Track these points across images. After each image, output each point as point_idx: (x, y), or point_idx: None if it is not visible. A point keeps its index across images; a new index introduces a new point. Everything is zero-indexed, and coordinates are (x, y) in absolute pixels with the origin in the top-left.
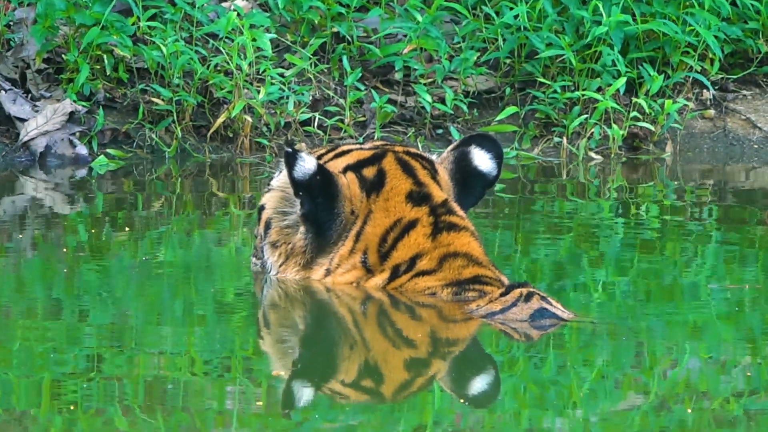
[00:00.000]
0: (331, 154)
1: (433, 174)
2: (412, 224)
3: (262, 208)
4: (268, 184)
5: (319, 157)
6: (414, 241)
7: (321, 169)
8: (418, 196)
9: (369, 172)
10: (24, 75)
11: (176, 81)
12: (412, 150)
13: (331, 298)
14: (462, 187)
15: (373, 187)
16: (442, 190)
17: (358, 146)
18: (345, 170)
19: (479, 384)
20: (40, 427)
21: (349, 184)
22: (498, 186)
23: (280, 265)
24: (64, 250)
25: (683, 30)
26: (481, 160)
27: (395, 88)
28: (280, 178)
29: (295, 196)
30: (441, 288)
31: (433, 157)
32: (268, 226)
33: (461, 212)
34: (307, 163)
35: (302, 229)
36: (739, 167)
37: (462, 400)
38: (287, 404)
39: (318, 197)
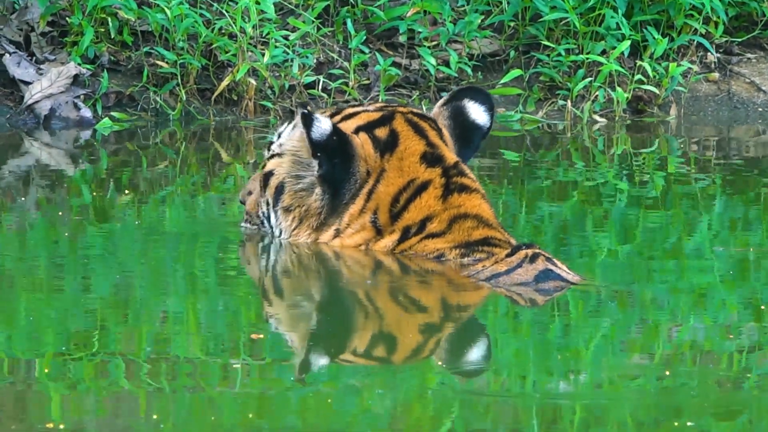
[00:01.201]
0: (338, 117)
1: (440, 134)
2: (424, 186)
3: (270, 174)
4: (269, 150)
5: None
6: (425, 203)
7: (336, 130)
8: (432, 158)
9: (381, 132)
10: (28, 38)
11: (180, 44)
12: (416, 110)
13: (340, 263)
14: (462, 142)
15: (387, 147)
16: (450, 150)
17: (362, 108)
18: (356, 131)
19: (481, 348)
20: (44, 377)
21: (362, 144)
22: (503, 150)
23: (294, 229)
24: (60, 213)
25: None
26: (477, 113)
27: (399, 51)
28: (291, 142)
29: (313, 158)
30: (449, 250)
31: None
32: (279, 191)
33: (472, 174)
34: (323, 124)
35: (318, 190)
36: (744, 130)
37: (463, 364)
38: (303, 369)
39: (335, 157)
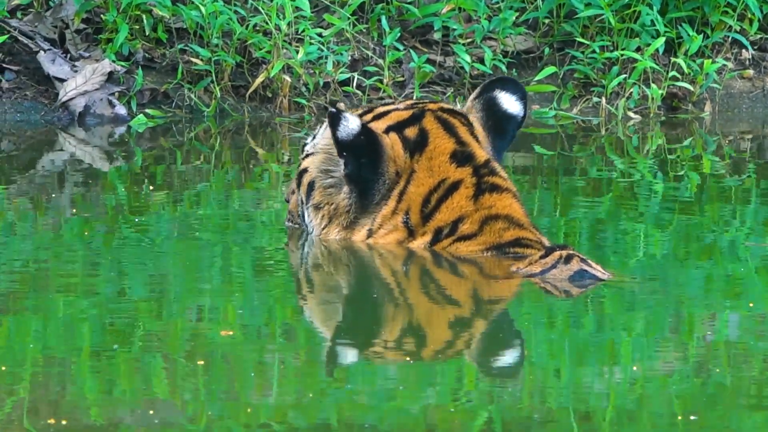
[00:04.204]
0: (369, 116)
1: (472, 130)
2: (455, 185)
3: (304, 171)
4: (303, 150)
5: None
6: (457, 203)
7: (365, 129)
8: (462, 156)
9: (411, 132)
10: (63, 35)
11: (215, 41)
12: (447, 106)
13: (373, 258)
14: (496, 133)
15: (416, 147)
16: (481, 147)
17: (394, 107)
18: (387, 131)
19: (516, 344)
20: (80, 376)
21: (392, 144)
22: (537, 147)
23: (323, 228)
24: (94, 209)
25: None
26: (510, 103)
27: (434, 48)
28: (324, 140)
29: (339, 157)
30: (481, 252)
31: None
32: (311, 188)
33: (503, 173)
34: (350, 123)
35: (346, 188)
36: None
37: (499, 360)
38: (330, 362)
39: (362, 157)
